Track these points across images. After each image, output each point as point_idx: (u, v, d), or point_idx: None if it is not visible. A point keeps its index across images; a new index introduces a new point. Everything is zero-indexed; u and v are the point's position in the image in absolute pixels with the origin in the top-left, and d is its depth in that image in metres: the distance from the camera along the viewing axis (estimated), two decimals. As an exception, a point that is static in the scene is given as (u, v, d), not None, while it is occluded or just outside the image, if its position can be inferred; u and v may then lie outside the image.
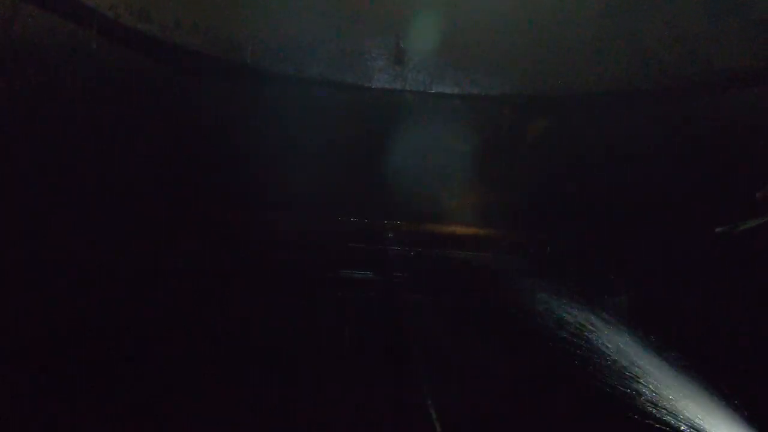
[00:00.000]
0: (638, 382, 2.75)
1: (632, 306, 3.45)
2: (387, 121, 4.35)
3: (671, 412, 2.53)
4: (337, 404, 2.99)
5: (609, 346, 2.95)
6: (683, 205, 3.78)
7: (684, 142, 3.88)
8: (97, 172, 3.61)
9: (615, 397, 2.72)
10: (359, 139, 4.42)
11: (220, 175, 4.28)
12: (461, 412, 2.89)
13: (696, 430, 2.42)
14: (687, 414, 2.49)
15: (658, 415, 2.54)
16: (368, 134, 4.40)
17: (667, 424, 2.49)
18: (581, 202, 4.20)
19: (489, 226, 4.51)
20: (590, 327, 3.13)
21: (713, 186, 3.69)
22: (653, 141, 4.01)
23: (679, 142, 3.90)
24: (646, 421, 2.53)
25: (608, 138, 4.17)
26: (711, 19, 3.47)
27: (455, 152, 4.42)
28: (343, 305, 4.13)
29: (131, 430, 2.64)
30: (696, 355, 2.74)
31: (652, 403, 2.61)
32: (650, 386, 2.70)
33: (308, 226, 4.53)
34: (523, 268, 3.89)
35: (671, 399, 2.59)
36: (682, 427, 2.44)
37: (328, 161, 4.46)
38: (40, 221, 3.22)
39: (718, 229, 3.21)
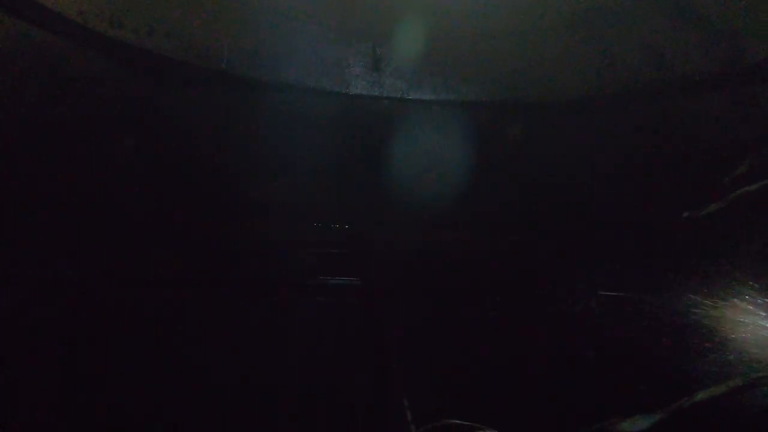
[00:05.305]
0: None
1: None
2: (365, 128, 4.35)
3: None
4: (318, 411, 2.99)
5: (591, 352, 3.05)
6: (654, 198, 3.98)
7: (653, 141, 4.08)
8: (64, 180, 3.47)
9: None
10: (337, 146, 4.40)
11: (197, 183, 4.17)
12: (442, 419, 2.92)
13: None
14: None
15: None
16: (346, 141, 4.39)
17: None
18: (558, 204, 4.33)
19: (467, 230, 4.57)
20: (571, 333, 3.22)
21: (679, 178, 3.92)
22: (623, 140, 4.19)
23: (648, 141, 4.10)
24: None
25: (580, 140, 4.32)
26: (675, 28, 3.67)
27: (433, 157, 4.46)
28: (322, 311, 4.10)
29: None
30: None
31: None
32: None
33: (286, 233, 4.47)
34: (504, 273, 3.96)
35: None
36: None
37: (305, 168, 4.42)
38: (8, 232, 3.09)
39: (685, 214, 3.49)
